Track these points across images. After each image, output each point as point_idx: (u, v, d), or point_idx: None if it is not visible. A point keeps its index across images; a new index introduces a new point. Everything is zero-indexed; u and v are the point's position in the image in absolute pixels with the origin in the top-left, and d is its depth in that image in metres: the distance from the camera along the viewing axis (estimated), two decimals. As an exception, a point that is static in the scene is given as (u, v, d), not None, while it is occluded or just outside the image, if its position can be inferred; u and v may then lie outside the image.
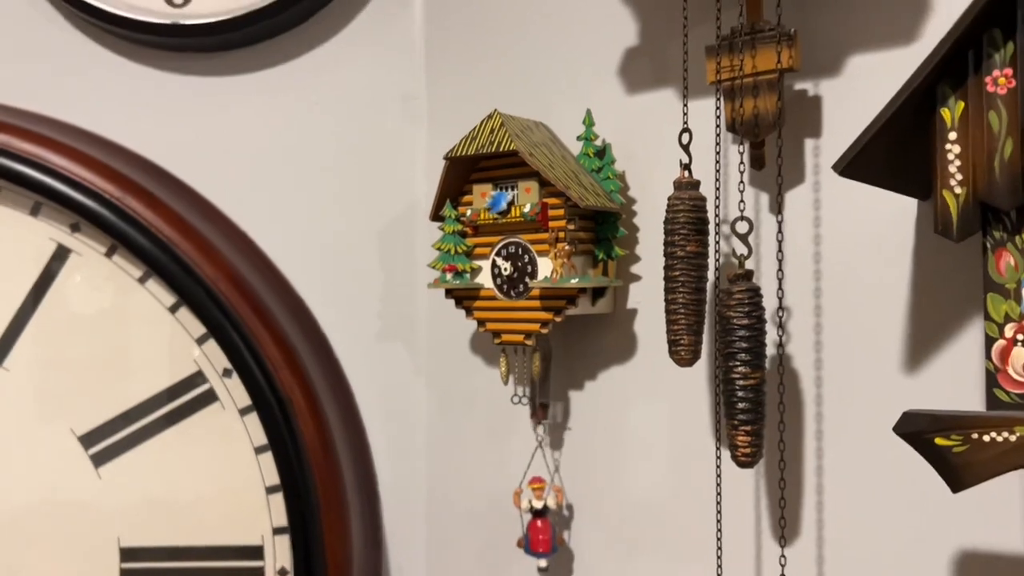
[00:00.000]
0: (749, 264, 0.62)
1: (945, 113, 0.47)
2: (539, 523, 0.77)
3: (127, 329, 0.83)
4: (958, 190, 0.47)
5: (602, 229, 0.74)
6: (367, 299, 0.91)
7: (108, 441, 0.83)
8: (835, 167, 0.51)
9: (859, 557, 0.63)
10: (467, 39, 0.87)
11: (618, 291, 0.76)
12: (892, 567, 0.62)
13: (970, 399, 0.58)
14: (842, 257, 0.64)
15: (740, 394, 0.59)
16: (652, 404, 0.74)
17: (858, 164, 0.50)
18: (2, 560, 0.82)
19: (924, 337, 0.60)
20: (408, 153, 0.91)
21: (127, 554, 0.83)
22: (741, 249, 0.60)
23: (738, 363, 0.59)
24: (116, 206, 0.80)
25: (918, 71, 0.47)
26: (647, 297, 0.75)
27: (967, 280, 0.58)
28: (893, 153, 0.51)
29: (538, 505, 0.77)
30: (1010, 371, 0.46)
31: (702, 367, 0.70)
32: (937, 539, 0.60)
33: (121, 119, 0.88)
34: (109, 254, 0.82)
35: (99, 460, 0.83)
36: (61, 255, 0.83)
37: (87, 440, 0.83)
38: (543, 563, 0.77)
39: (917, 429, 0.47)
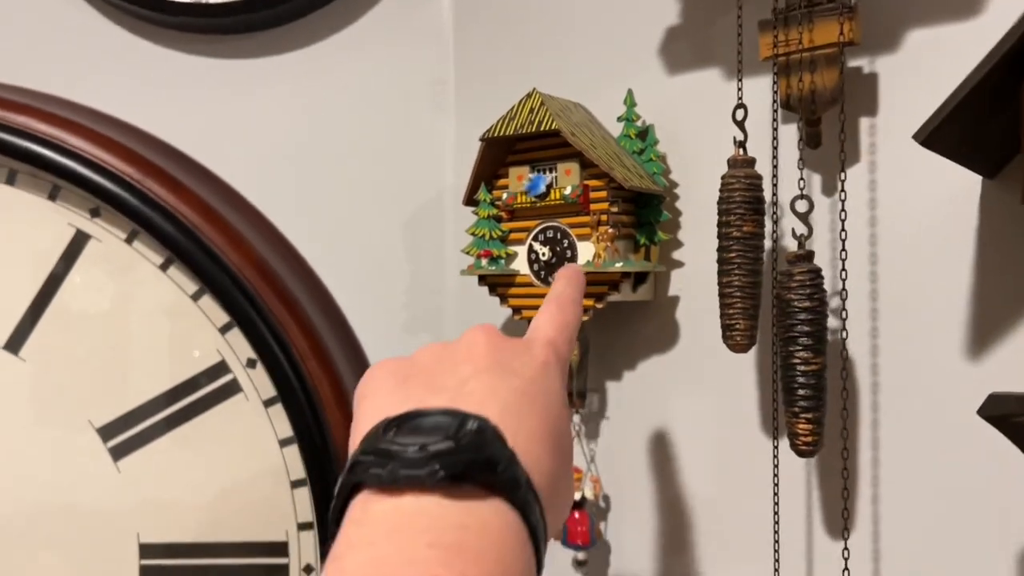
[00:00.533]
0: (807, 247, 0.59)
1: (1035, 79, 0.45)
2: (576, 515, 0.74)
3: (147, 317, 0.80)
4: (1049, 160, 0.45)
5: (644, 213, 0.71)
6: (394, 289, 0.88)
7: (127, 434, 0.80)
8: (916, 136, 0.49)
9: (920, 551, 0.61)
10: (497, 20, 0.85)
11: (659, 277, 0.74)
12: (955, 561, 0.59)
13: (1041, 385, 0.55)
14: (900, 239, 0.61)
15: (801, 380, 0.57)
16: (696, 394, 0.72)
17: (939, 134, 0.47)
18: (17, 553, 0.79)
19: (989, 322, 0.58)
20: (436, 139, 0.88)
21: (146, 550, 0.80)
22: (801, 229, 0.58)
23: (799, 347, 0.57)
24: (138, 189, 0.77)
25: (1008, 35, 0.45)
26: (689, 284, 0.72)
27: (1036, 262, 0.56)
28: (971, 124, 0.49)
29: (576, 496, 0.74)
30: (1104, 350, 0.44)
31: (751, 355, 0.68)
32: (1003, 532, 0.57)
33: (142, 102, 0.86)
34: (130, 240, 0.80)
35: (118, 453, 0.80)
36: (80, 241, 0.80)
37: (105, 432, 0.80)
38: (581, 556, 0.74)
39: (1006, 412, 0.45)
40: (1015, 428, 0.45)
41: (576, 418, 0.77)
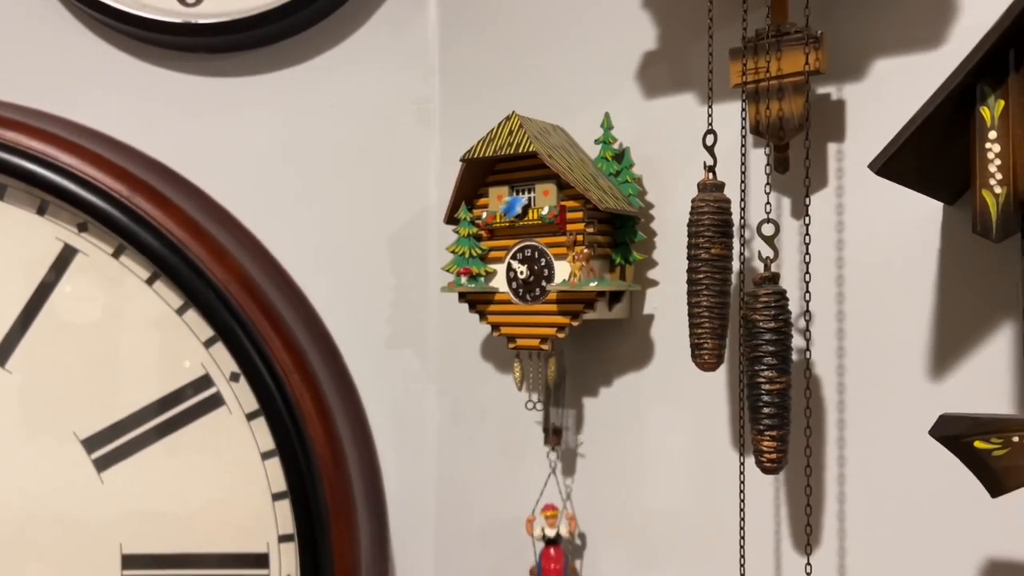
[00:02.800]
0: (772, 269, 0.61)
1: (985, 112, 0.47)
2: (552, 551, 0.76)
3: (133, 331, 0.82)
4: (998, 190, 0.46)
5: (619, 233, 0.73)
6: (377, 305, 0.90)
7: (112, 445, 0.81)
8: (871, 166, 0.50)
9: (884, 567, 0.62)
10: (481, 42, 0.86)
11: (635, 296, 0.75)
12: (917, 577, 0.61)
13: (999, 405, 0.57)
14: (865, 262, 0.63)
15: (766, 399, 0.58)
16: (670, 411, 0.73)
17: (894, 163, 0.49)
18: (1, 563, 0.80)
19: (950, 342, 0.60)
20: (421, 157, 0.90)
21: (129, 561, 0.81)
22: (767, 252, 0.60)
23: (764, 367, 0.58)
24: (125, 205, 0.78)
25: (958, 69, 0.47)
26: (664, 303, 0.74)
27: (994, 285, 0.57)
28: (927, 154, 0.51)
29: (551, 533, 0.75)
30: (1050, 374, 0.46)
31: (722, 373, 0.69)
32: (965, 548, 0.59)
33: (131, 119, 0.87)
34: (116, 254, 0.81)
35: (102, 465, 0.81)
36: (67, 255, 0.81)
37: (90, 444, 0.81)
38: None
39: (955, 432, 0.46)
40: (964, 448, 0.46)
41: (552, 455, 0.78)
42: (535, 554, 0.77)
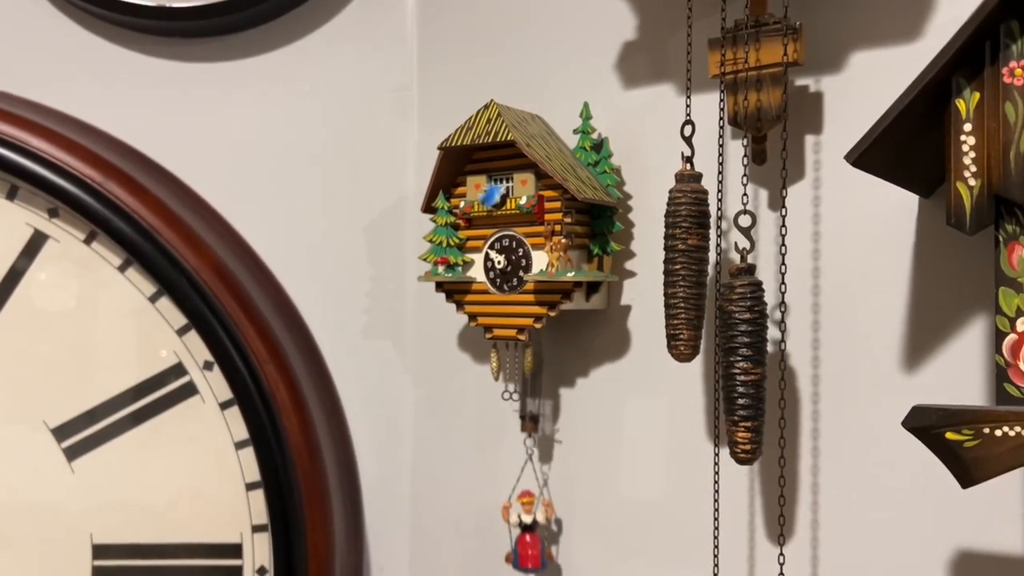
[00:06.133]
0: (749, 260, 0.61)
1: (960, 104, 0.47)
2: (528, 538, 0.75)
3: (105, 318, 0.81)
4: (972, 182, 0.47)
5: (598, 224, 0.73)
6: (354, 294, 0.89)
7: (83, 434, 0.80)
8: (847, 157, 0.50)
9: (857, 557, 0.62)
10: (461, 30, 0.86)
11: (612, 287, 0.75)
12: (890, 567, 0.61)
13: (971, 397, 0.57)
14: (842, 254, 0.63)
15: (741, 390, 0.58)
16: (647, 401, 0.73)
17: (870, 155, 0.49)
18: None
19: (924, 335, 0.60)
20: (398, 146, 0.89)
21: (100, 551, 0.80)
22: (743, 243, 0.60)
23: (739, 358, 0.58)
24: (97, 191, 0.77)
25: (934, 61, 0.47)
26: (642, 294, 0.74)
27: (967, 278, 0.58)
28: (903, 146, 0.51)
29: (527, 520, 0.75)
30: (1021, 366, 0.46)
31: (698, 364, 0.69)
32: (935, 539, 0.59)
33: (104, 104, 0.86)
34: (88, 241, 0.80)
35: (73, 454, 0.80)
36: (38, 241, 0.80)
37: (60, 433, 0.80)
38: (531, 578, 0.75)
39: (927, 424, 0.47)
40: (936, 439, 0.46)
41: (529, 441, 0.78)
42: (511, 541, 0.76)
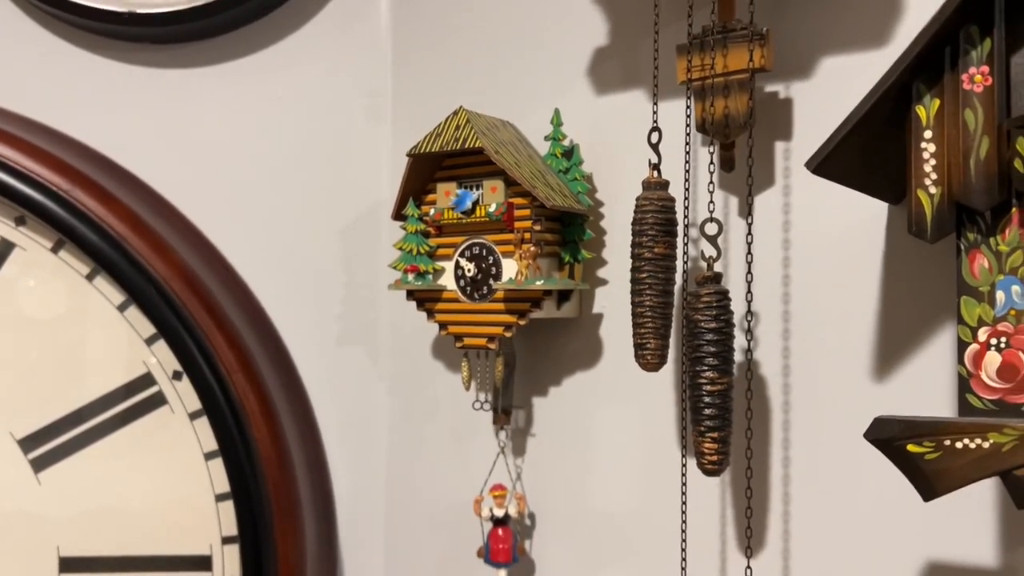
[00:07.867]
0: (717, 268, 0.60)
1: (920, 111, 0.46)
2: (500, 532, 0.75)
3: (72, 328, 0.80)
4: (933, 190, 0.46)
5: (568, 231, 0.72)
6: (327, 302, 0.88)
7: (49, 445, 0.79)
8: (808, 164, 0.50)
9: (826, 568, 0.62)
10: (434, 35, 0.85)
11: (584, 295, 0.74)
12: (859, 579, 0.60)
13: (940, 407, 0.57)
14: (811, 262, 0.63)
15: (707, 400, 0.57)
16: (617, 410, 0.72)
17: (831, 162, 0.48)
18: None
19: (893, 343, 0.59)
20: (372, 151, 0.89)
21: (67, 564, 0.79)
22: (710, 251, 0.59)
23: (705, 368, 0.57)
24: (64, 199, 0.76)
25: (893, 67, 0.46)
26: (613, 301, 0.73)
27: (936, 286, 0.57)
28: (867, 152, 0.50)
29: (499, 513, 0.74)
30: (983, 376, 0.45)
31: (668, 373, 0.69)
32: (904, 550, 0.58)
33: (72, 110, 0.85)
34: (55, 249, 0.79)
35: (39, 465, 0.79)
36: (4, 249, 0.79)
37: (27, 444, 0.79)
38: (503, 574, 0.74)
39: (889, 435, 0.46)
40: (897, 452, 0.46)
41: (502, 435, 0.78)
42: (483, 535, 0.75)
